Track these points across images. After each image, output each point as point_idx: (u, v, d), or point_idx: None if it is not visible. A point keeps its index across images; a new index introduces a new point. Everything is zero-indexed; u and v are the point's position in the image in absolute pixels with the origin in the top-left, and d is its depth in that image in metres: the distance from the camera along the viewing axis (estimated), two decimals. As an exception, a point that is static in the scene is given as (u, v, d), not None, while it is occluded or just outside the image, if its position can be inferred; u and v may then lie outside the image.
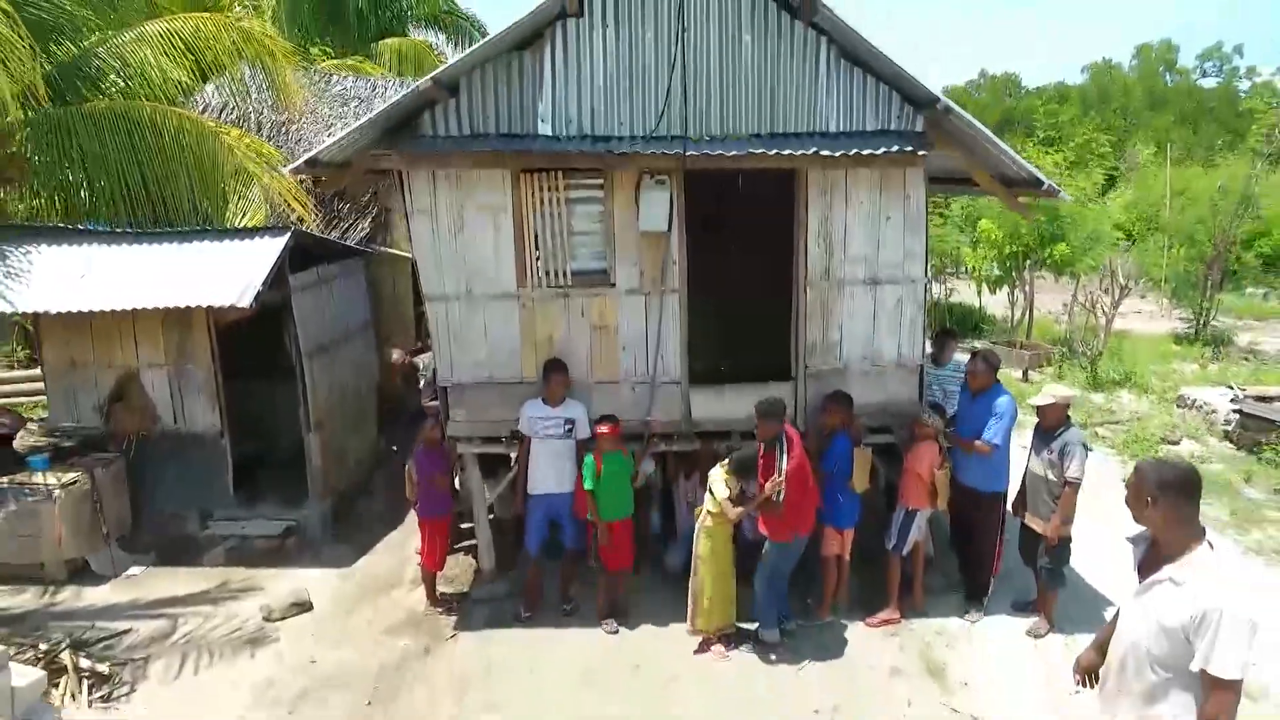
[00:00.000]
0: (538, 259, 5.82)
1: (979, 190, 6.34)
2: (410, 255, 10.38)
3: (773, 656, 5.48)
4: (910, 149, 5.43)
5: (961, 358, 6.91)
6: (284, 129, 10.31)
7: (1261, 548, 7.17)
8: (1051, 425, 5.63)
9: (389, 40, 20.35)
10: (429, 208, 5.71)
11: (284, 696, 5.16)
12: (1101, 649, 3.33)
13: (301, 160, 5.50)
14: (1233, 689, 2.77)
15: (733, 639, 5.61)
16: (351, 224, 9.51)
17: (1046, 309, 17.47)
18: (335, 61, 14.17)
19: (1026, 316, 15.50)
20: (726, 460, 5.43)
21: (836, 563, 5.97)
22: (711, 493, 5.39)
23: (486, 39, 5.41)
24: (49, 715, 3.77)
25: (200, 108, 10.12)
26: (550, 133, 5.60)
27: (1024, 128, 63.41)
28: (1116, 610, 3.26)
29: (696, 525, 5.53)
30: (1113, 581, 6.20)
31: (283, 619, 6.11)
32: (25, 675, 3.75)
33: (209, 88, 10.32)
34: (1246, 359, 14.94)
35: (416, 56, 20.22)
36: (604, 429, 5.62)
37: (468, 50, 5.54)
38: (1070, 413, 5.70)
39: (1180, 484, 2.97)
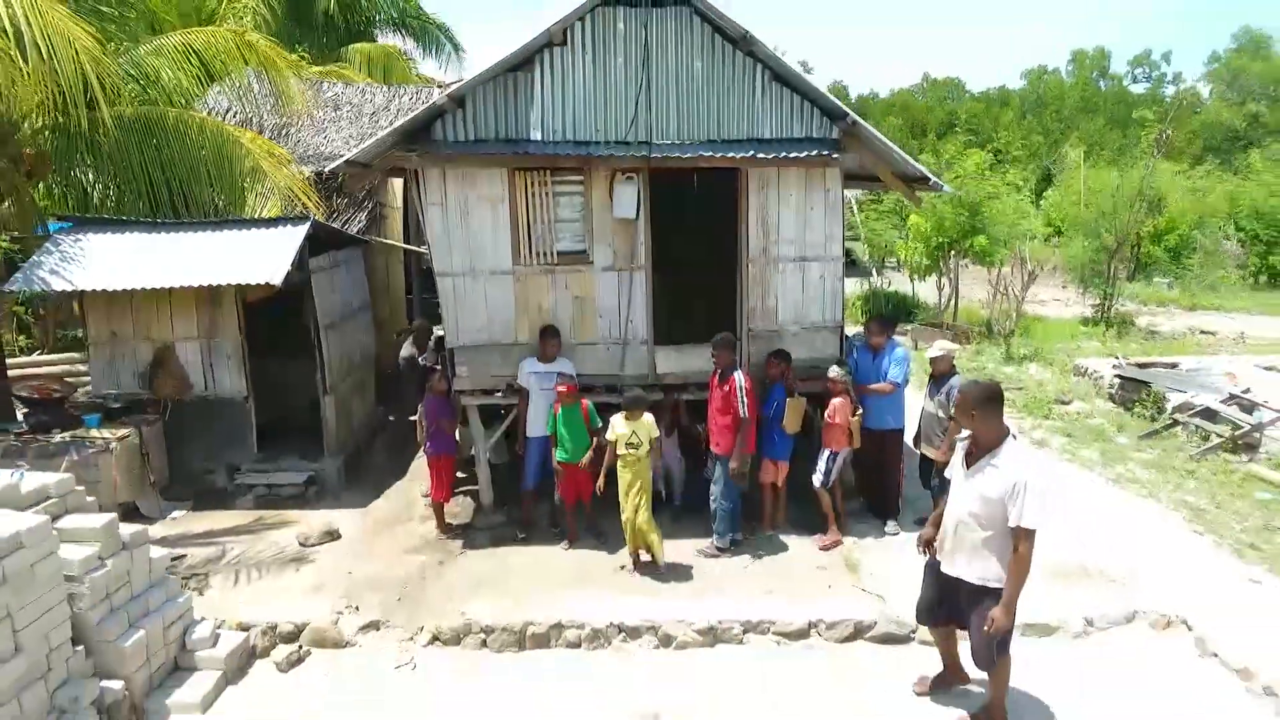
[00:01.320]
0: (529, 241, 7.11)
1: (884, 186, 7.80)
2: (402, 245, 11.64)
3: (726, 557, 6.86)
4: (827, 153, 6.86)
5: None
6: (284, 130, 11.38)
7: (1120, 478, 8.78)
8: (941, 373, 7.11)
9: (358, 45, 21.26)
10: (440, 200, 6.96)
11: (332, 595, 6.36)
12: (935, 524, 4.75)
13: (341, 161, 6.71)
14: (1033, 536, 4.19)
15: (648, 563, 6.70)
16: (350, 217, 10.64)
17: (976, 296, 19.30)
18: (320, 68, 15.15)
19: (952, 301, 17.21)
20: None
21: (772, 489, 7.38)
22: (614, 429, 6.56)
23: (489, 66, 6.67)
24: (175, 582, 4.92)
25: (206, 110, 11.13)
26: (540, 138, 6.89)
27: (966, 130, 65.92)
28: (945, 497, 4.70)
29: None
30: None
31: (318, 544, 7.30)
32: (158, 550, 4.91)
33: (213, 91, 11.32)
34: (1146, 339, 16.87)
35: (385, 61, 21.18)
36: (561, 388, 6.83)
37: (476, 74, 6.77)
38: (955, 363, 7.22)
39: (991, 397, 4.39)
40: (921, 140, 64.86)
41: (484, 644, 5.49)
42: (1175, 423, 10.06)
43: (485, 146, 6.83)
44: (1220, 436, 9.40)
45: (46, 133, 9.39)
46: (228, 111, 11.37)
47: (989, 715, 4.58)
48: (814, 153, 6.85)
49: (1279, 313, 19.58)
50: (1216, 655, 5.19)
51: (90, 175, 10.08)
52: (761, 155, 6.79)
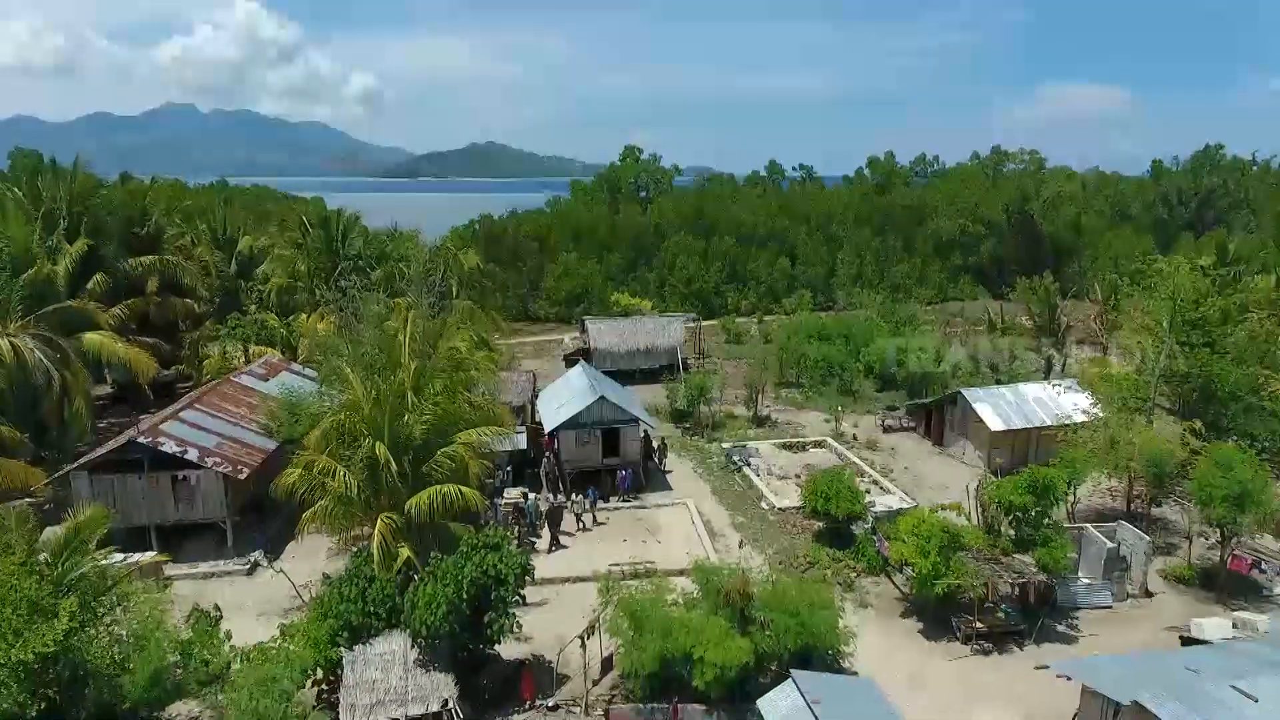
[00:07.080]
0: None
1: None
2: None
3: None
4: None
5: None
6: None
7: (702, 477, 33.97)
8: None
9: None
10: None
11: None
12: None
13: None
14: None
15: None
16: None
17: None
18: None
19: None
20: None
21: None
22: None
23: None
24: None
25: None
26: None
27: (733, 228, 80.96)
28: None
29: None
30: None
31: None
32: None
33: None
34: (770, 428, 42.33)
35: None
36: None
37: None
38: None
39: None
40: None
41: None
42: (732, 462, 35.50)
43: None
44: (734, 467, 34.93)
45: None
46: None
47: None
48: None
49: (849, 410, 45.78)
50: (700, 514, 30.04)
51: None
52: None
